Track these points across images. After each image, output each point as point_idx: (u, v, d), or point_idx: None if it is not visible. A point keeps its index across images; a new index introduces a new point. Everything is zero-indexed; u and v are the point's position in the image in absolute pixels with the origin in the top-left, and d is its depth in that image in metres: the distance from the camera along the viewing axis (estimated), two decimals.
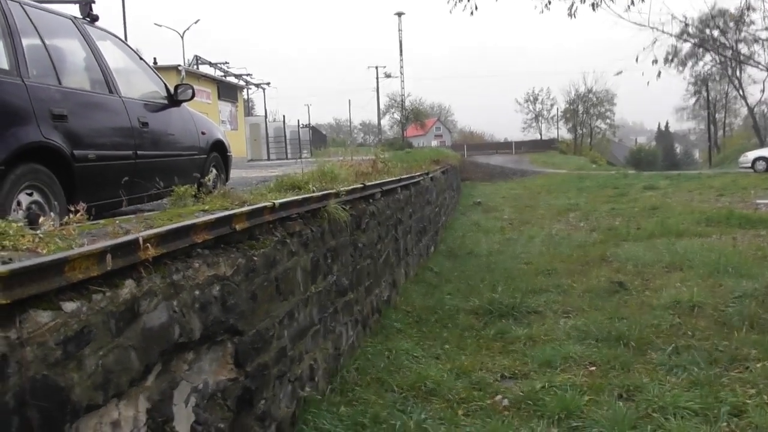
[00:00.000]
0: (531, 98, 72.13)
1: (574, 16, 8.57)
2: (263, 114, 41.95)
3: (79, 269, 2.20)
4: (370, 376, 4.99)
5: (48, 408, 2.01)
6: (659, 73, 9.16)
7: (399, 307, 7.14)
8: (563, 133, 71.05)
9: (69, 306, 2.16)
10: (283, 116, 42.13)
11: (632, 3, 8.65)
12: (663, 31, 8.86)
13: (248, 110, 41.82)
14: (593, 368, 5.04)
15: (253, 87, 40.65)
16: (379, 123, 58.83)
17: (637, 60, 8.39)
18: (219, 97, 28.71)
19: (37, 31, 3.91)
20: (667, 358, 5.09)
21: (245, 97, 40.08)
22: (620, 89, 67.61)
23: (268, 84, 41.42)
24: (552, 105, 71.76)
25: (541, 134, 71.61)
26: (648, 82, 9.15)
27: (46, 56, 3.92)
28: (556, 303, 7.14)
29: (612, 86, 64.65)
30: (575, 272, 8.77)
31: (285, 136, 37.88)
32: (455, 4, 10.27)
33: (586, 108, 66.78)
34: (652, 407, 4.17)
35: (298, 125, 42.24)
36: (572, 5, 8.87)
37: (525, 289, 7.73)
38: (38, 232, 2.35)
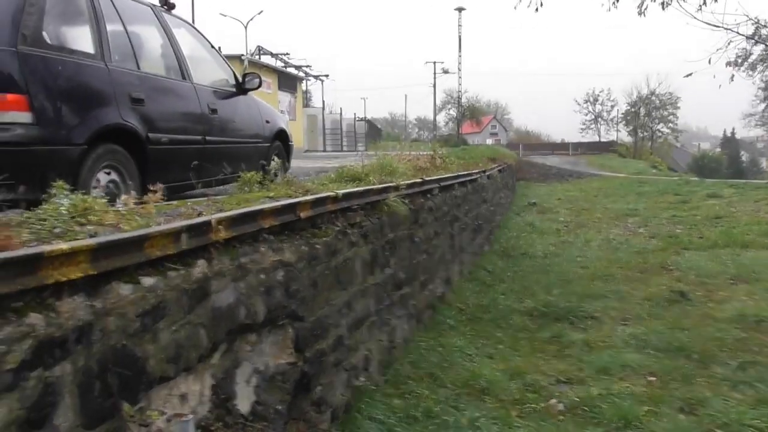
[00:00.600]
0: (591, 99, 70.59)
1: (644, 15, 8.33)
2: (320, 106, 42.42)
3: (157, 246, 2.29)
4: (423, 370, 4.99)
5: (126, 376, 2.10)
6: (732, 77, 8.80)
7: (452, 304, 7.11)
8: (623, 135, 69.23)
9: (147, 281, 2.25)
10: (340, 108, 42.56)
11: (704, 3, 8.36)
12: (738, 33, 8.49)
13: (306, 101, 42.33)
14: (653, 378, 4.91)
15: (312, 78, 41.11)
16: (434, 119, 58.70)
17: (710, 62, 8.08)
18: (279, 88, 29.18)
19: (120, 18, 4.07)
20: (731, 373, 4.91)
21: (304, 88, 40.55)
22: (685, 93, 65.48)
23: (327, 76, 41.81)
24: (612, 106, 70.04)
25: (599, 136, 69.99)
26: (720, 86, 8.80)
27: (127, 42, 4.08)
28: (614, 309, 6.99)
29: (676, 89, 62.59)
30: (634, 279, 8.56)
31: (341, 128, 38.22)
32: (520, 0, 10.16)
33: (648, 111, 64.88)
34: (716, 423, 4.03)
35: (355, 118, 42.51)
36: (642, 3, 8.62)
37: (581, 294, 7.60)
38: (121, 209, 2.45)
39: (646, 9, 8.31)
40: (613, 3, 9.15)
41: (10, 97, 3.12)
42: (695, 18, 7.97)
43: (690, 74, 8.55)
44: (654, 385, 4.78)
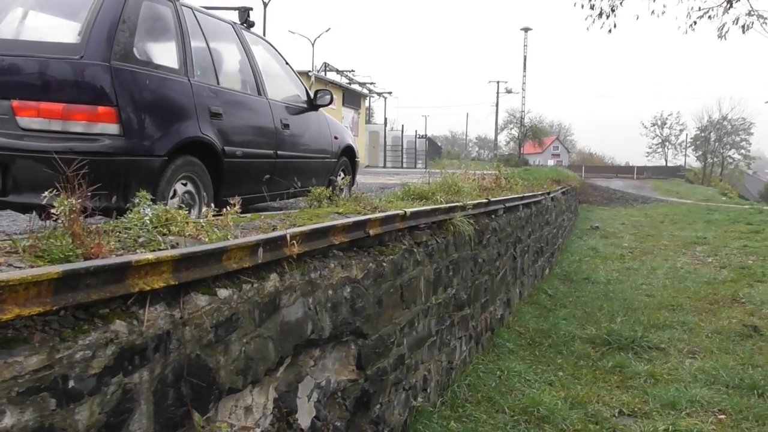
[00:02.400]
0: (658, 122, 68.75)
1: (725, 38, 8.09)
2: (382, 122, 42.74)
3: (234, 259, 2.33)
4: (481, 394, 4.92)
5: (198, 386, 2.15)
6: None
7: (512, 327, 7.00)
8: (691, 161, 67.09)
9: (223, 293, 2.30)
10: (402, 126, 42.77)
11: None
12: None
13: (368, 118, 42.75)
14: (723, 416, 4.69)
15: (375, 95, 41.53)
16: (495, 138, 58.23)
17: None
18: (343, 104, 29.59)
19: (203, 34, 4.22)
20: None
21: (367, 104, 41.00)
22: (758, 118, 62.87)
23: (390, 93, 42.23)
24: (681, 130, 67.97)
25: (666, 160, 67.94)
26: None
27: (208, 58, 4.22)
28: (681, 341, 6.72)
29: (749, 115, 60.30)
30: (703, 310, 8.21)
31: (402, 145, 38.36)
32: (593, 22, 10.04)
33: (719, 136, 62.67)
34: None
35: (416, 135, 42.64)
36: (723, 26, 8.37)
37: (646, 323, 7.34)
38: (201, 220, 2.52)
39: (727, 32, 8.06)
40: (691, 26, 8.94)
41: (101, 109, 3.28)
42: None
43: None
44: (724, 423, 4.57)
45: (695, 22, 9.46)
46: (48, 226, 2.03)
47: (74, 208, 1.89)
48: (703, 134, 63.71)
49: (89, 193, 2.01)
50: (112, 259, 1.81)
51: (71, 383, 1.65)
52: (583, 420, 4.57)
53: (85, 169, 2.07)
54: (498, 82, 54.62)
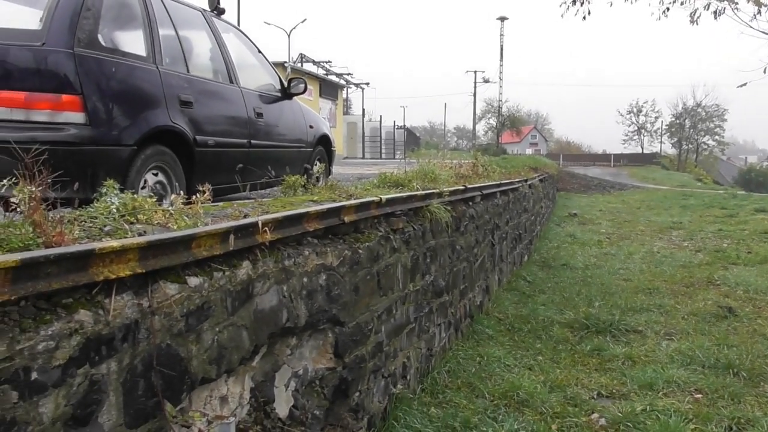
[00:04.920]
0: (634, 110, 69.24)
1: (697, 23, 8.15)
2: (360, 113, 42.60)
3: (204, 246, 2.29)
4: (460, 380, 4.93)
5: (170, 376, 2.11)
6: None
7: (491, 314, 7.02)
8: (666, 147, 67.80)
9: (193, 281, 2.25)
10: (380, 117, 42.67)
11: (759, 12, 8.12)
12: None
13: (346, 109, 42.58)
14: (699, 396, 4.75)
15: (352, 86, 41.34)
16: (474, 128, 58.30)
17: (766, 71, 7.82)
18: (320, 95, 29.42)
19: (172, 22, 4.14)
20: None
21: (344, 95, 40.82)
22: (732, 105, 63.84)
23: (367, 84, 42.01)
24: (656, 118, 68.55)
25: (642, 148, 68.58)
26: None
27: (177, 45, 4.14)
28: (658, 324, 6.80)
29: (723, 101, 61.05)
30: (679, 293, 8.32)
31: (380, 135, 38.31)
32: (567, 8, 10.06)
33: (694, 123, 63.41)
34: None
35: (394, 126, 42.56)
36: (695, 12, 8.44)
37: (624, 307, 7.42)
38: (170, 208, 2.47)
39: (699, 17, 8.13)
40: (664, 12, 9.00)
41: (65, 97, 3.19)
42: (750, 26, 7.75)
43: (744, 84, 8.32)
44: (701, 402, 4.63)
45: (668, 8, 9.53)
46: (8, 217, 1.97)
47: (34, 196, 1.83)
48: (678, 121, 64.36)
49: (50, 181, 1.95)
50: (74, 247, 1.76)
51: (34, 375, 1.60)
52: (562, 403, 4.61)
53: (47, 158, 2.01)
54: (475, 72, 54.64)
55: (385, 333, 4.05)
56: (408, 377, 4.53)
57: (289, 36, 30.95)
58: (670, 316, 7.16)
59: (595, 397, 4.81)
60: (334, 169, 7.32)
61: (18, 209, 1.89)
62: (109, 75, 3.45)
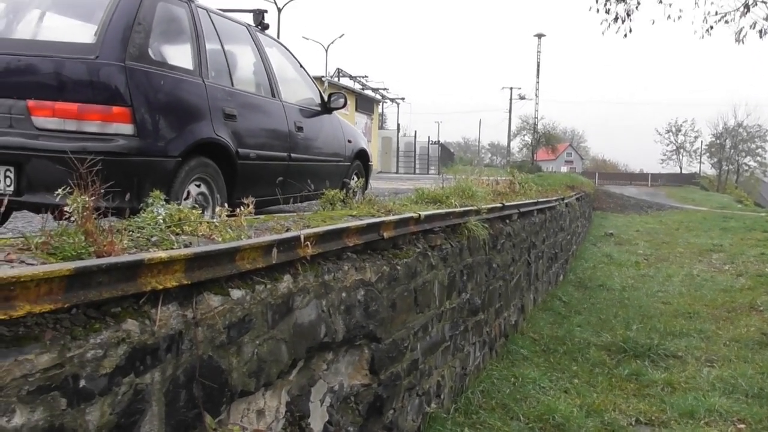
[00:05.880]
0: (673, 129, 68.24)
1: (742, 42, 7.98)
2: (395, 128, 42.75)
3: (247, 259, 2.30)
4: (495, 400, 4.86)
5: (210, 387, 2.11)
6: None
7: (526, 334, 6.93)
8: (705, 168, 66.51)
9: (236, 293, 2.26)
10: (415, 132, 42.75)
11: None
12: None
13: (381, 123, 42.79)
14: (742, 426, 4.60)
15: (388, 101, 41.55)
16: (508, 144, 58.05)
17: None
18: (356, 109, 29.65)
19: (218, 36, 4.22)
20: None
21: (380, 110, 41.04)
22: None
23: (403, 99, 42.21)
24: (696, 137, 67.40)
25: (681, 168, 67.39)
26: None
27: (223, 59, 4.22)
28: (698, 349, 6.62)
29: (765, 121, 59.82)
30: (720, 318, 8.10)
31: (415, 150, 38.35)
32: (608, 26, 9.98)
33: (735, 143, 62.12)
34: None
35: (428, 141, 42.63)
36: (740, 30, 8.29)
37: (663, 331, 7.25)
38: (215, 220, 2.49)
39: (744, 36, 7.97)
40: (707, 30, 8.85)
41: (115, 109, 3.27)
42: None
43: None
44: None
45: (712, 27, 9.40)
46: (62, 225, 2.01)
47: (87, 206, 1.86)
48: (718, 141, 63.21)
49: (102, 191, 1.99)
50: (125, 257, 1.79)
51: (82, 383, 1.62)
52: (600, 428, 4.51)
53: (98, 168, 2.06)
54: (511, 89, 54.46)
55: (420, 350, 4.02)
56: (442, 396, 4.48)
57: (326, 50, 31.29)
58: (711, 341, 6.97)
59: (633, 423, 4.69)
60: (370, 183, 7.34)
61: (71, 218, 1.93)
62: (158, 88, 3.53)
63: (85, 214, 1.88)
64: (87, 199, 1.89)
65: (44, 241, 1.81)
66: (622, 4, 9.70)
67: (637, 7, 9.72)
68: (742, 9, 8.91)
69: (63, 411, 1.57)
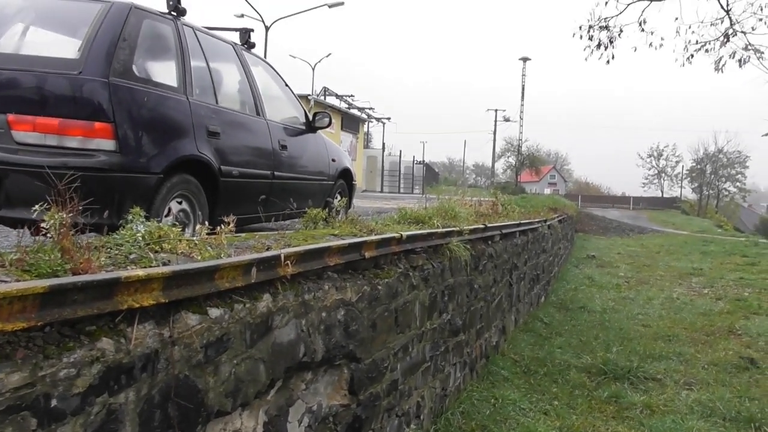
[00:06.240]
0: (655, 153, 69.20)
1: (722, 71, 8.14)
2: (380, 147, 42.91)
3: (227, 278, 2.29)
4: (474, 422, 4.85)
5: (186, 408, 2.09)
6: None
7: (507, 355, 6.93)
8: (686, 192, 67.42)
9: (214, 312, 2.25)
10: (400, 151, 42.93)
11: None
12: None
13: (366, 142, 42.95)
14: None
15: (374, 120, 41.76)
16: (492, 166, 58.45)
17: None
18: (342, 128, 29.76)
19: (203, 54, 4.23)
20: None
21: (365, 129, 41.21)
22: (754, 152, 63.43)
23: (389, 119, 42.44)
24: (677, 162, 68.40)
25: (662, 192, 68.26)
26: None
27: (208, 77, 4.23)
28: (677, 372, 6.66)
29: (745, 148, 60.87)
30: (699, 342, 8.16)
31: (400, 170, 38.49)
32: (591, 53, 10.14)
33: (715, 168, 63.12)
34: None
35: (413, 161, 42.79)
36: (720, 59, 8.46)
37: (642, 353, 7.29)
38: (195, 238, 2.48)
39: (724, 65, 8.13)
40: (688, 59, 9.03)
41: (98, 125, 3.26)
42: None
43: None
44: None
45: (692, 55, 9.58)
46: (38, 241, 1.99)
47: (64, 222, 1.85)
48: (699, 166, 64.20)
49: (81, 208, 1.97)
50: (102, 275, 1.77)
51: (54, 402, 1.60)
52: None
53: (78, 184, 2.04)
54: (496, 111, 55.06)
55: (400, 371, 4.00)
56: (422, 417, 4.46)
57: (313, 69, 31.47)
58: (690, 365, 7.01)
59: None
60: (353, 202, 7.35)
61: (48, 234, 1.91)
62: (141, 104, 3.52)
63: (62, 230, 1.86)
64: (64, 215, 1.87)
65: (19, 258, 1.79)
66: (605, 31, 9.88)
67: (619, 35, 9.90)
68: (722, 39, 9.12)
69: (33, 431, 1.54)
